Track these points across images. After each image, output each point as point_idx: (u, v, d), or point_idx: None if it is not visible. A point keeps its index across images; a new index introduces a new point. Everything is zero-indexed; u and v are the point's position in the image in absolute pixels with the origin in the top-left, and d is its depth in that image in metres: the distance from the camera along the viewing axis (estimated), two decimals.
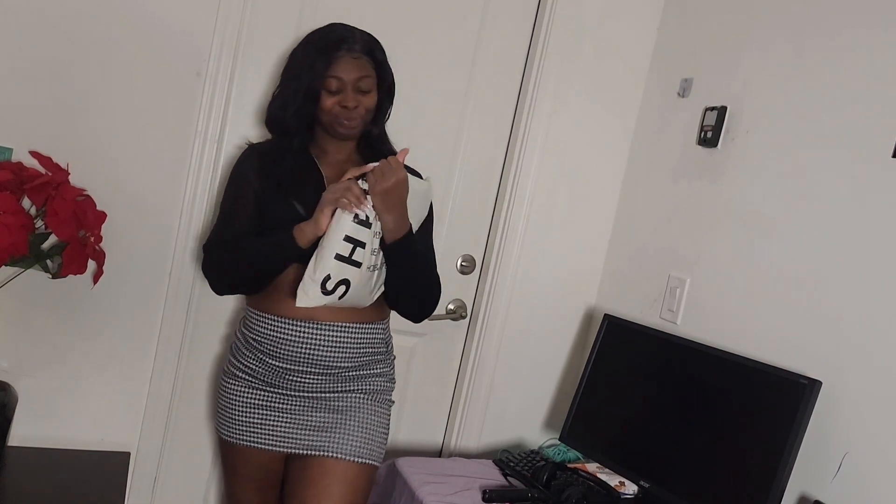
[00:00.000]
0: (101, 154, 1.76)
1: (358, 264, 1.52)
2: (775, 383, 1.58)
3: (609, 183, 2.23)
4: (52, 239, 1.56)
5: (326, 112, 1.62)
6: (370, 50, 1.64)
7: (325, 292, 1.51)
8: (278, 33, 1.89)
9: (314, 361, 1.62)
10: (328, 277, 1.51)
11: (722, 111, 1.92)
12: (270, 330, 1.63)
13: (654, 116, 2.18)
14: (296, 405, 1.65)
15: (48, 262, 1.59)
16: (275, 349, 1.63)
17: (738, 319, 1.79)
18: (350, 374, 1.66)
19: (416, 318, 1.76)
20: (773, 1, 1.86)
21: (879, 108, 1.56)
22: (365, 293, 1.58)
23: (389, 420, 1.74)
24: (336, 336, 1.63)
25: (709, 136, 1.93)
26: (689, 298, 1.94)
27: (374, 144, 1.74)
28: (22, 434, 1.74)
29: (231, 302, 1.96)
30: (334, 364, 1.64)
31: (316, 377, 1.64)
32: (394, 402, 1.76)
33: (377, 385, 1.70)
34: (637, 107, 2.22)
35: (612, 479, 1.83)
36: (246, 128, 1.90)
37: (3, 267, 1.51)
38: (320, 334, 1.62)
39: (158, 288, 1.86)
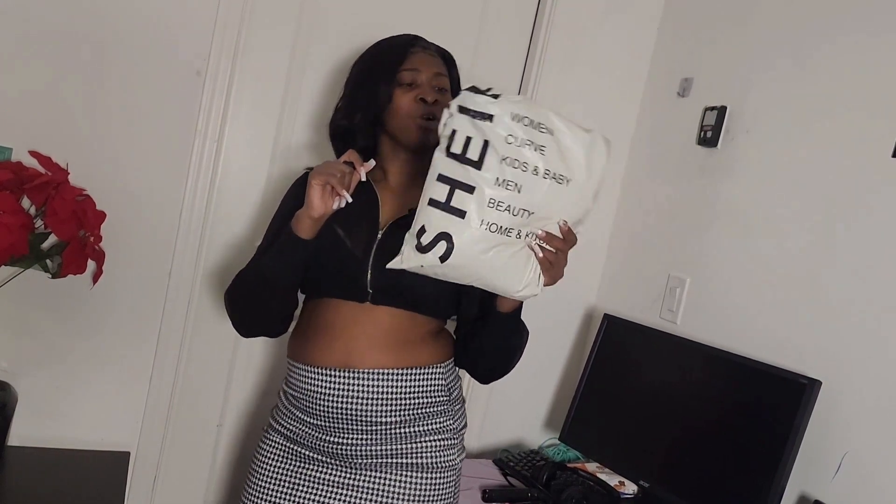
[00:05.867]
0: (101, 154, 1.76)
1: (461, 213, 1.19)
2: (775, 383, 1.59)
3: (609, 182, 2.22)
4: (52, 239, 1.56)
5: (403, 112, 1.40)
6: (443, 53, 1.50)
7: (420, 248, 1.20)
8: (278, 33, 1.89)
9: (352, 417, 1.38)
10: (423, 229, 1.21)
11: (722, 111, 1.92)
12: (304, 382, 1.41)
13: (653, 116, 2.18)
14: (332, 478, 1.41)
15: (48, 261, 1.58)
16: (310, 405, 1.41)
17: (738, 319, 1.79)
18: (398, 431, 1.40)
19: (486, 381, 1.53)
20: (774, 1, 1.86)
21: (879, 108, 1.56)
22: (488, 261, 1.22)
23: (451, 496, 1.45)
24: (378, 386, 1.37)
25: (709, 136, 1.93)
26: (689, 298, 1.94)
27: None
28: (21, 434, 1.74)
29: None
30: (376, 420, 1.38)
31: (355, 436, 1.39)
32: (461, 460, 1.48)
33: (433, 447, 1.42)
34: (637, 106, 2.23)
35: (612, 479, 1.83)
36: (246, 127, 1.90)
37: (3, 267, 1.51)
38: (359, 384, 1.37)
39: (158, 288, 1.86)
